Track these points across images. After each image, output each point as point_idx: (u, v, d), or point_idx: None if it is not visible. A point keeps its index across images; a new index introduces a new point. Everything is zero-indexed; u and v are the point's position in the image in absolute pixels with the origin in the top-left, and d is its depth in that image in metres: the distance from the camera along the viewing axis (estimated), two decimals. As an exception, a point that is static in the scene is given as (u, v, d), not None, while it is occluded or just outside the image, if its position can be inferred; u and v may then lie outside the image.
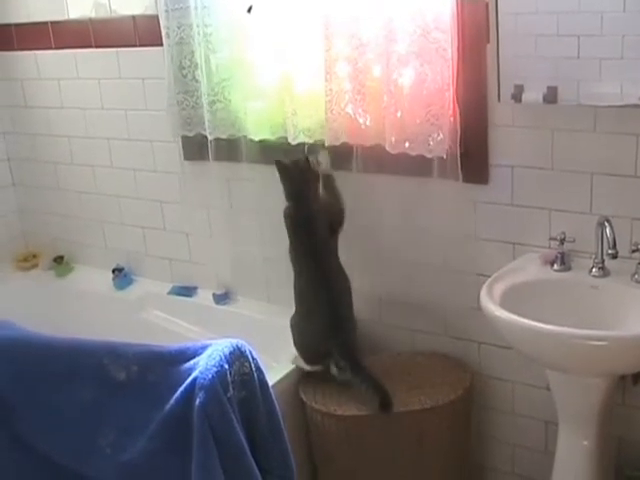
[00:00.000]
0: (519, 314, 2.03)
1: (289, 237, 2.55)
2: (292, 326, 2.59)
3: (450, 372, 2.57)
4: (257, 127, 2.73)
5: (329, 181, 2.57)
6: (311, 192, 2.53)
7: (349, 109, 2.51)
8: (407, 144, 2.40)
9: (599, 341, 1.95)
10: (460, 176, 2.38)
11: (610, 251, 2.10)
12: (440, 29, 2.27)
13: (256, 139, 2.75)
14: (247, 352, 2.05)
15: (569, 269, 2.29)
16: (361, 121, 2.51)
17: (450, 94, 2.33)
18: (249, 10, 2.59)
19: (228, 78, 2.72)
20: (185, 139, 3.01)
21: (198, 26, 2.68)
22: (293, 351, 2.60)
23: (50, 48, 3.34)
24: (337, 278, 2.53)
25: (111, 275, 3.44)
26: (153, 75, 3.03)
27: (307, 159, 2.51)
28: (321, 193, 2.56)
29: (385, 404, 2.38)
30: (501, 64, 2.24)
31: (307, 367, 2.58)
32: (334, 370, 2.56)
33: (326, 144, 2.55)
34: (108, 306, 3.39)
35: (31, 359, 2.26)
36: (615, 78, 2.11)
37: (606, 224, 2.13)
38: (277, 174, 2.54)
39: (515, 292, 2.21)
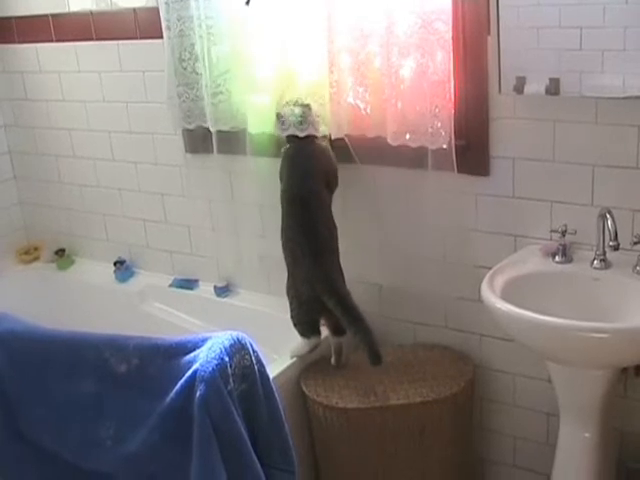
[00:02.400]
0: (520, 306, 2.03)
1: (284, 177, 2.55)
2: (287, 292, 2.59)
3: (451, 364, 2.57)
4: (258, 119, 2.72)
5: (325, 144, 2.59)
6: (314, 139, 2.54)
7: (351, 101, 2.50)
8: (408, 136, 2.40)
9: (600, 333, 1.95)
10: (455, 167, 2.37)
11: (611, 243, 2.10)
12: (441, 20, 2.26)
13: (257, 131, 2.74)
14: (248, 344, 2.05)
15: (570, 261, 2.29)
16: (363, 113, 2.50)
17: (451, 86, 2.32)
18: (247, 2, 2.58)
19: (229, 70, 2.72)
20: (187, 132, 3.00)
21: (199, 18, 2.67)
22: (293, 344, 2.60)
23: (51, 41, 3.33)
24: (321, 220, 2.52)
25: (112, 268, 3.45)
26: (154, 68, 3.02)
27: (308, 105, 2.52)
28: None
29: (374, 358, 2.41)
30: (502, 56, 2.24)
31: (305, 348, 2.58)
32: (333, 360, 2.58)
33: (332, 136, 2.55)
34: (109, 299, 3.39)
35: (32, 352, 2.27)
36: (617, 70, 2.10)
37: (607, 216, 2.12)
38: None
39: (516, 284, 2.21)
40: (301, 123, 2.50)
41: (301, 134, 2.51)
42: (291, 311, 2.58)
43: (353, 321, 2.45)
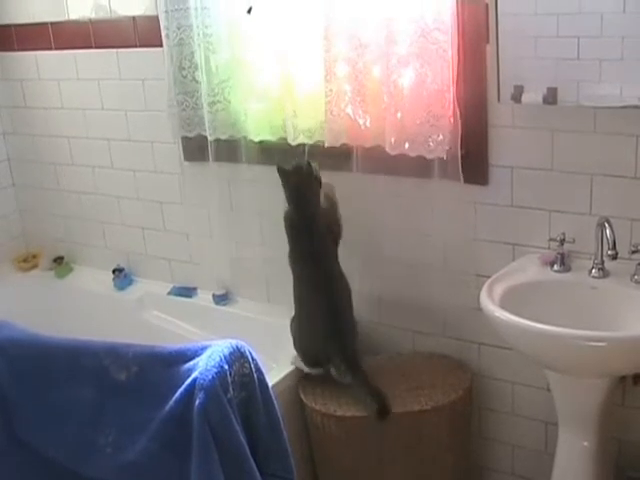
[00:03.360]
0: (519, 315, 2.03)
1: (289, 241, 2.54)
2: (292, 329, 2.60)
3: (450, 373, 2.57)
4: (257, 128, 2.73)
5: (329, 190, 2.57)
6: (312, 196, 2.51)
7: (349, 110, 2.50)
8: (407, 145, 2.40)
9: (599, 342, 1.95)
10: (461, 177, 2.38)
11: (610, 252, 2.11)
12: (440, 30, 2.27)
13: (256, 140, 2.74)
14: (247, 353, 2.05)
15: (569, 270, 2.30)
16: (361, 122, 2.50)
17: (450, 95, 2.33)
18: (249, 11, 2.58)
19: (228, 79, 2.72)
20: (185, 140, 3.00)
21: (198, 27, 2.67)
22: (293, 352, 2.60)
23: (50, 49, 3.33)
24: (337, 284, 2.52)
25: (111, 276, 3.44)
26: (153, 76, 3.03)
27: (309, 164, 2.50)
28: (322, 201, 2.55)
29: (383, 411, 2.38)
30: (501, 65, 2.24)
31: (307, 369, 2.59)
32: (334, 372, 2.57)
33: (326, 145, 2.55)
34: (108, 307, 3.39)
35: (31, 360, 2.26)
36: (615, 79, 2.11)
37: (606, 225, 2.13)
38: (279, 179, 2.52)
39: (515, 293, 2.21)
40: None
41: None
42: (295, 345, 2.59)
43: (361, 384, 2.44)
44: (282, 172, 2.50)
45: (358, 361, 2.50)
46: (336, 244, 2.55)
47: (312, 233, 2.51)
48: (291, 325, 2.60)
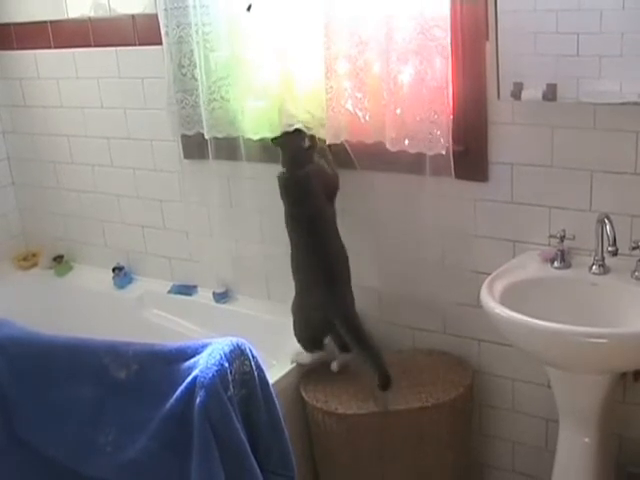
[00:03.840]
0: (519, 312, 2.03)
1: (285, 205, 2.55)
2: (293, 311, 2.60)
3: (450, 370, 2.57)
4: (256, 126, 2.72)
5: (322, 152, 2.59)
6: (306, 157, 2.53)
7: (349, 107, 2.50)
8: (407, 142, 2.40)
9: (599, 338, 1.95)
10: (453, 172, 2.38)
11: (610, 248, 2.10)
12: (439, 27, 2.27)
13: (255, 138, 2.74)
14: (247, 350, 2.05)
15: (569, 266, 2.30)
16: (361, 118, 2.50)
17: (450, 91, 2.33)
18: (248, 9, 2.58)
19: (226, 77, 2.72)
20: (185, 138, 3.00)
21: (197, 25, 2.67)
22: (293, 349, 2.60)
23: (49, 47, 3.33)
24: (333, 245, 2.53)
25: (111, 274, 3.44)
26: (152, 74, 3.02)
27: (299, 130, 2.54)
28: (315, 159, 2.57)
29: (384, 383, 2.40)
30: (500, 61, 2.24)
31: (307, 359, 2.59)
32: (334, 366, 2.58)
33: (327, 142, 2.55)
34: (108, 305, 3.39)
35: (31, 358, 2.26)
36: (614, 75, 2.11)
37: (606, 221, 2.13)
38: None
39: (515, 290, 2.21)
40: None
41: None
42: (295, 329, 2.59)
43: (364, 348, 2.46)
44: (274, 140, 2.56)
45: (359, 325, 2.50)
46: (332, 204, 2.57)
47: (306, 192, 2.53)
48: (292, 307, 2.60)
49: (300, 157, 2.53)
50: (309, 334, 2.58)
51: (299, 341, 2.59)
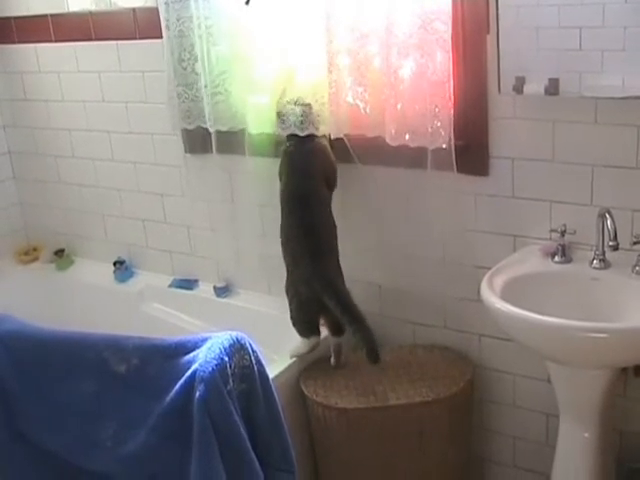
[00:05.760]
0: (520, 306, 2.03)
1: (283, 176, 2.57)
2: (286, 290, 2.60)
3: (451, 365, 2.57)
4: (257, 120, 2.72)
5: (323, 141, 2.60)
6: (314, 138, 2.55)
7: (351, 100, 2.50)
8: (407, 136, 2.39)
9: (600, 333, 1.95)
10: (455, 167, 2.37)
11: (611, 243, 2.10)
12: (440, 20, 2.26)
13: (256, 132, 2.74)
14: (247, 345, 2.05)
15: (570, 261, 2.29)
16: (362, 112, 2.50)
17: (450, 86, 2.32)
18: (247, 2, 2.58)
19: (228, 71, 2.71)
20: (186, 132, 3.00)
21: (198, 18, 2.67)
22: (293, 344, 2.60)
23: (50, 41, 3.33)
24: (323, 221, 2.53)
25: (112, 268, 3.45)
26: (153, 68, 3.02)
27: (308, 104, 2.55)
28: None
29: (372, 356, 2.42)
30: (502, 56, 2.24)
31: (305, 348, 2.58)
32: (333, 361, 2.58)
33: (332, 136, 2.55)
34: (109, 299, 3.39)
35: (32, 352, 2.27)
36: (617, 70, 2.10)
37: (607, 216, 2.12)
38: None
39: (516, 284, 2.21)
40: (302, 122, 2.51)
41: (302, 133, 2.52)
42: (290, 311, 2.59)
43: (353, 320, 2.45)
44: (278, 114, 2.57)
45: (349, 299, 2.48)
46: (330, 192, 2.58)
47: (306, 170, 2.54)
48: (285, 286, 2.60)
49: (308, 135, 2.54)
50: (302, 315, 2.57)
51: (294, 325, 2.59)
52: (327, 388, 2.51)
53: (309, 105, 2.52)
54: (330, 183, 2.58)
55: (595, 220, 2.20)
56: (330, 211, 2.55)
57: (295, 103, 2.53)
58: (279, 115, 2.55)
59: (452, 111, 2.34)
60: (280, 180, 2.58)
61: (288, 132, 2.54)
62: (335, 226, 2.55)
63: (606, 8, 2.06)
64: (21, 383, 2.27)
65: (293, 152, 2.56)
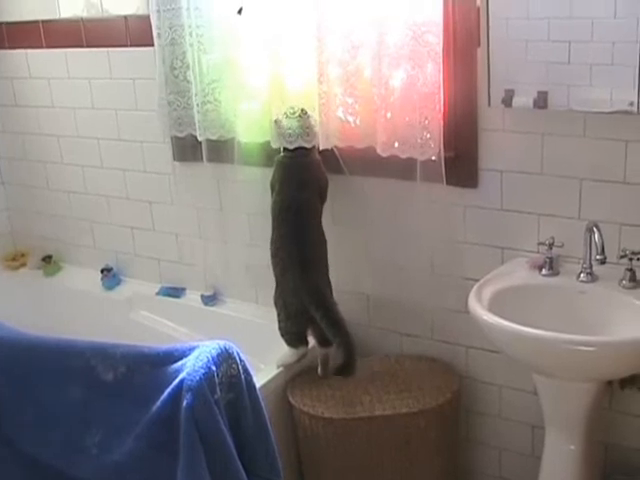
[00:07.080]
0: (507, 318, 2.04)
1: (276, 186, 2.55)
2: (274, 302, 2.60)
3: (438, 376, 2.57)
4: (248, 129, 2.72)
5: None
6: (309, 151, 2.54)
7: (340, 112, 2.51)
8: (397, 147, 2.40)
9: (586, 346, 1.96)
10: (444, 178, 2.38)
11: (598, 256, 2.11)
12: (432, 32, 2.26)
13: (246, 141, 2.74)
14: (235, 354, 2.04)
15: (557, 274, 2.30)
16: (352, 123, 2.51)
17: (441, 97, 2.33)
18: (239, 12, 2.58)
19: (219, 79, 2.71)
20: (176, 140, 3.00)
21: (190, 27, 2.66)
22: (280, 353, 2.60)
23: (41, 47, 3.32)
24: (313, 233, 2.53)
25: (100, 275, 3.44)
26: (144, 75, 3.02)
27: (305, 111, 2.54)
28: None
29: (346, 371, 2.45)
30: (492, 68, 2.25)
31: (292, 358, 2.58)
32: (320, 371, 2.58)
33: (321, 147, 2.54)
34: (96, 306, 3.38)
35: (19, 359, 2.25)
36: (605, 84, 2.12)
37: (595, 229, 2.13)
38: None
39: (503, 296, 2.21)
40: (308, 134, 2.51)
41: (308, 145, 2.52)
42: (279, 322, 2.58)
43: (337, 334, 2.45)
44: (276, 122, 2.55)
45: (335, 311, 2.49)
46: (321, 205, 2.58)
47: (301, 181, 2.53)
48: (274, 298, 2.59)
49: (302, 147, 2.53)
50: (290, 326, 2.56)
51: (283, 336, 2.58)
52: (314, 398, 2.51)
53: (309, 116, 2.52)
54: (323, 197, 2.58)
55: (583, 233, 2.21)
56: (321, 224, 2.55)
57: (294, 114, 2.52)
58: (277, 123, 2.54)
59: (442, 123, 2.34)
60: (272, 191, 2.57)
61: (294, 146, 2.52)
62: (325, 240, 2.55)
63: (595, 23, 2.08)
64: (7, 389, 2.26)
65: (288, 164, 2.55)
